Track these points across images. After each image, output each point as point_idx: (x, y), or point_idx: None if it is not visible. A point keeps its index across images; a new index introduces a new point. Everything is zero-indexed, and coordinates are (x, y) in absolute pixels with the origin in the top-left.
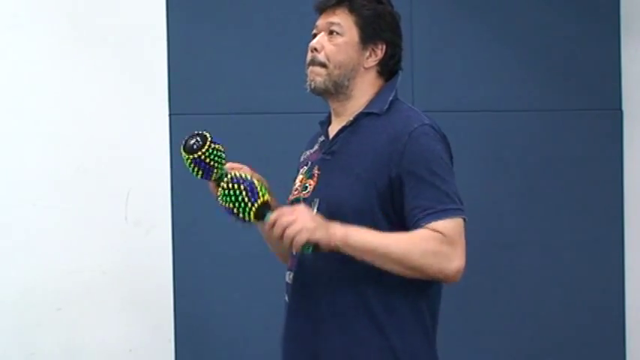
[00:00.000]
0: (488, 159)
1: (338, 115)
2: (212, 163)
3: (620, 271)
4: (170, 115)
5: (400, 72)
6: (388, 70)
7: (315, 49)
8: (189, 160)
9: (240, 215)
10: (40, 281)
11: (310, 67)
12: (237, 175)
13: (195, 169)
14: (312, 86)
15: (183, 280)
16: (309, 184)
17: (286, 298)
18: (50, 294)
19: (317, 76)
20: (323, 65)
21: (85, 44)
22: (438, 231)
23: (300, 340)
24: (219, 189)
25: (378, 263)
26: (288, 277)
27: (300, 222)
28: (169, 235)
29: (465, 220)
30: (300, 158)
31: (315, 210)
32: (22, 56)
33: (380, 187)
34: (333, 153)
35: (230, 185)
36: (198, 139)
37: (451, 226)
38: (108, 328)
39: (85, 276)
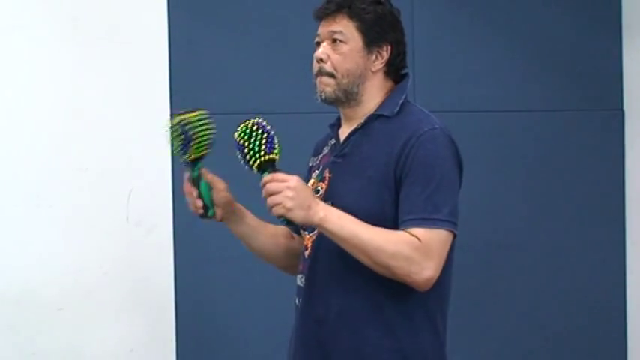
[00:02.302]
0: (489, 159)
1: (349, 119)
2: (192, 134)
3: (622, 271)
4: (171, 115)
5: (409, 74)
6: (395, 69)
7: (322, 60)
8: (171, 126)
9: (247, 157)
10: (40, 281)
11: (318, 78)
12: (265, 124)
13: (174, 137)
14: (323, 97)
15: (185, 280)
16: (321, 188)
17: (297, 301)
18: (51, 294)
19: (326, 87)
20: (331, 75)
21: (86, 44)
22: (415, 237)
23: (311, 342)
24: (242, 125)
25: (352, 252)
26: (300, 280)
27: (283, 195)
28: (170, 236)
29: (452, 233)
30: (309, 164)
31: None
32: (23, 56)
33: (390, 190)
34: (344, 156)
35: (255, 127)
36: (188, 109)
37: (430, 235)
38: (109, 328)
39: (86, 276)
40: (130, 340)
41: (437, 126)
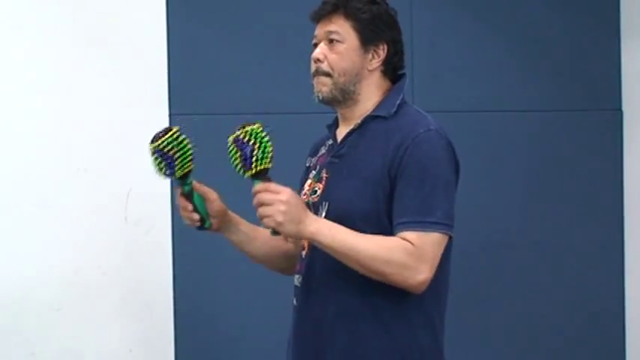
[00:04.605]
0: (487, 159)
1: (346, 119)
2: (173, 153)
3: (620, 272)
4: (170, 115)
5: (406, 74)
6: (392, 68)
7: (318, 60)
8: (152, 151)
9: (253, 159)
10: (39, 281)
11: (315, 78)
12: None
13: (158, 161)
14: (320, 97)
15: (183, 280)
16: (318, 188)
17: (294, 302)
18: (50, 294)
19: (323, 86)
20: (327, 75)
21: (85, 44)
22: (408, 241)
23: (308, 341)
24: (247, 126)
25: (346, 263)
26: (297, 280)
27: (274, 209)
28: (169, 236)
29: (447, 235)
30: (306, 164)
31: (324, 213)
32: (22, 56)
33: (385, 191)
34: (341, 156)
35: (262, 130)
36: (162, 131)
37: (423, 239)
38: (108, 328)
39: (85, 276)
40: (128, 341)
41: (432, 127)
